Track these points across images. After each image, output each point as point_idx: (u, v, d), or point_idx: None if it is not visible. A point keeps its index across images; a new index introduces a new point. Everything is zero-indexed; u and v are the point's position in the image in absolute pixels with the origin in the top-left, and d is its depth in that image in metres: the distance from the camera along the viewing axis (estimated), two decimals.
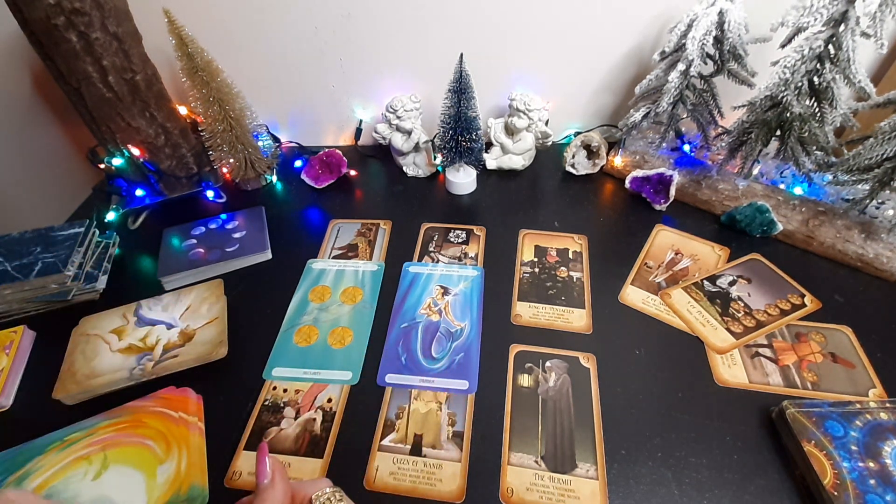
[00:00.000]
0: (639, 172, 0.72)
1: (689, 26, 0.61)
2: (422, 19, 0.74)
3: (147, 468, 0.45)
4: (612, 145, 0.81)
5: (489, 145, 0.81)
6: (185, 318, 0.58)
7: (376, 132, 0.81)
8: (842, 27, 0.51)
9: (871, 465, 0.41)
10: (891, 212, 0.61)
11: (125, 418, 0.49)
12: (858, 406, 0.45)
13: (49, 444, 0.47)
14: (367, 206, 0.78)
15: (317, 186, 0.80)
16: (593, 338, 0.55)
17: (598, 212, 0.73)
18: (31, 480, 0.44)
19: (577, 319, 0.58)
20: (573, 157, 0.78)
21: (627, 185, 0.72)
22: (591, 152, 0.79)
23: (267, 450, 0.34)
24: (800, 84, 0.55)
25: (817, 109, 0.57)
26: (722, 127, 0.70)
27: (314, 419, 0.50)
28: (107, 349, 0.55)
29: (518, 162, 0.80)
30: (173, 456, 0.46)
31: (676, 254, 0.65)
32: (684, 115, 0.69)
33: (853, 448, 0.42)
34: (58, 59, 0.62)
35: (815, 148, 0.60)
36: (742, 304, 0.57)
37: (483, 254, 0.67)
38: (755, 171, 0.68)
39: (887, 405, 0.45)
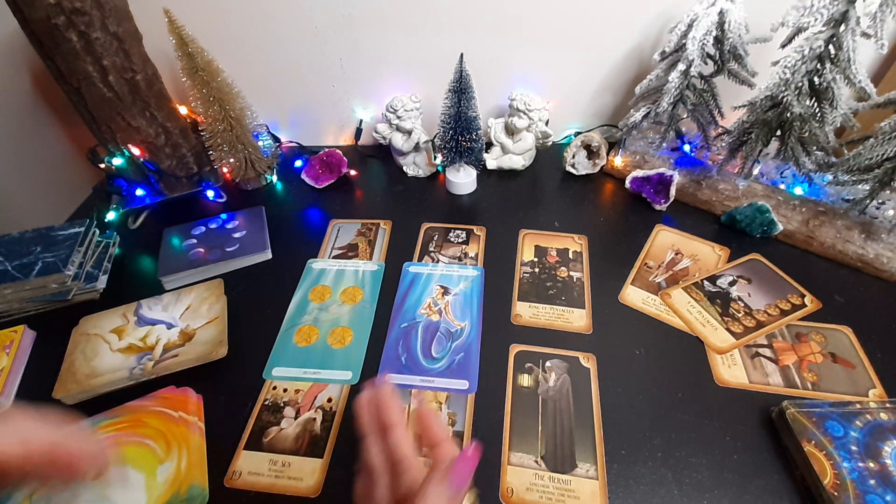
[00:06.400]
0: (639, 172, 0.72)
1: (690, 26, 0.61)
2: (422, 19, 0.74)
3: (147, 468, 0.45)
4: (613, 145, 0.81)
5: (489, 145, 0.81)
6: (185, 317, 0.58)
7: (376, 132, 0.81)
8: (842, 27, 0.51)
9: (871, 465, 0.41)
10: (891, 212, 0.61)
11: (125, 418, 0.49)
12: (858, 406, 0.45)
13: None
14: (367, 206, 0.78)
15: (317, 186, 0.80)
16: (593, 338, 0.55)
17: (598, 212, 0.73)
18: None
19: (577, 319, 0.57)
20: (573, 157, 0.78)
21: (627, 185, 0.72)
22: (592, 152, 0.79)
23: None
24: (800, 84, 0.55)
25: (817, 109, 0.57)
26: (722, 127, 0.70)
27: (314, 419, 0.50)
28: (107, 349, 0.55)
29: (518, 162, 0.80)
30: (173, 456, 0.46)
31: (676, 254, 0.65)
32: (684, 115, 0.69)
33: (853, 448, 0.42)
34: (58, 59, 0.62)
35: (815, 148, 0.60)
36: (742, 305, 0.57)
37: (483, 254, 0.67)
38: (755, 171, 0.68)
39: (887, 405, 0.45)
